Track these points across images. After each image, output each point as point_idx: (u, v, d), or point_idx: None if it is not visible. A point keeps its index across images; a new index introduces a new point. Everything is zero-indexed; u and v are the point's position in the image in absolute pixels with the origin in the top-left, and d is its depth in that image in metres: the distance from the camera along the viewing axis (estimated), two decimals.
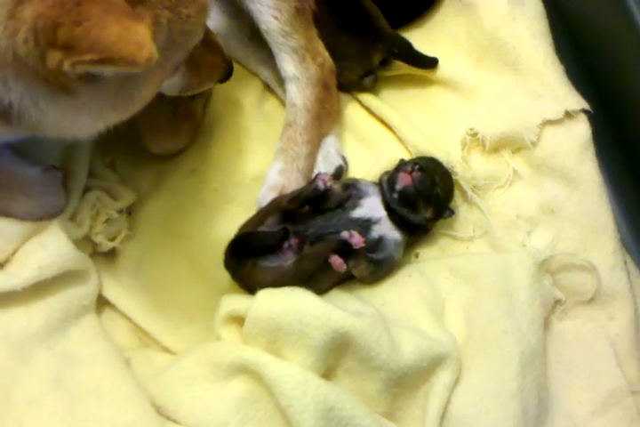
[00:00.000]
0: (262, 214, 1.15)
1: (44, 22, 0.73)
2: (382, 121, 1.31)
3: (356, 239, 1.07)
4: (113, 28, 0.72)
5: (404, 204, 1.14)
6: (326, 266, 1.07)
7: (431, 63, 1.31)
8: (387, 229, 1.14)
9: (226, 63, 1.07)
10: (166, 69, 0.90)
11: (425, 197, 1.14)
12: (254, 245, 1.11)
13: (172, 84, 0.99)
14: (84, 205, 1.13)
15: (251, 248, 1.10)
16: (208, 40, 0.99)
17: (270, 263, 1.09)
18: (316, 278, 1.09)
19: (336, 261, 1.06)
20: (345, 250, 1.08)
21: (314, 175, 1.23)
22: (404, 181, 1.13)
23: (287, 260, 1.09)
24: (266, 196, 1.19)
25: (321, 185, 1.11)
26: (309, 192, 1.12)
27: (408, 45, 1.30)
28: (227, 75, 1.09)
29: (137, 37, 0.73)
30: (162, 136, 1.22)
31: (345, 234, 1.07)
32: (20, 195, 1.06)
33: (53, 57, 0.74)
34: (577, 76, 1.29)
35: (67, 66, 0.73)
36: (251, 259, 1.10)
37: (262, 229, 1.12)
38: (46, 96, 0.81)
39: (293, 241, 1.10)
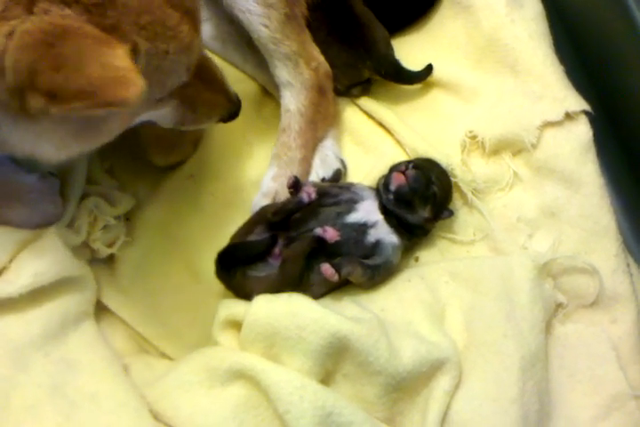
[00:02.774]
0: (250, 224, 1.15)
1: (16, 65, 0.72)
2: (381, 124, 1.31)
3: (330, 234, 1.06)
4: (93, 70, 0.71)
5: (401, 204, 1.13)
6: (318, 269, 1.07)
7: (425, 75, 1.30)
8: (384, 233, 1.13)
9: (231, 103, 1.03)
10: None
11: (421, 195, 1.13)
12: (240, 255, 1.11)
13: (163, 117, 0.97)
14: (81, 211, 1.13)
15: (238, 258, 1.10)
16: (209, 77, 0.97)
17: (260, 273, 1.09)
18: (310, 283, 1.09)
19: (327, 270, 1.05)
20: (337, 256, 1.08)
21: (310, 178, 1.23)
22: (397, 180, 1.12)
23: (277, 267, 1.09)
24: (260, 202, 1.19)
25: (305, 198, 1.10)
26: (293, 205, 1.11)
27: (396, 67, 1.29)
28: (231, 115, 1.05)
29: (120, 74, 0.71)
30: (166, 149, 1.22)
31: (318, 230, 1.06)
32: (16, 202, 1.06)
33: (37, 101, 0.73)
34: (577, 77, 1.29)
35: (54, 110, 0.73)
36: (240, 269, 1.10)
37: (252, 237, 1.12)
38: (7, 120, 0.80)
39: (281, 248, 1.10)
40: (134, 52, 0.77)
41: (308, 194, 1.10)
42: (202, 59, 0.94)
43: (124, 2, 0.77)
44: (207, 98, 0.98)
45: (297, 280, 1.08)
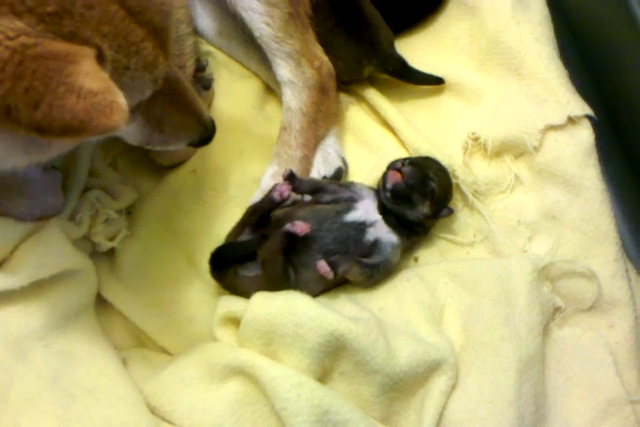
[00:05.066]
0: (241, 224, 1.15)
1: None
2: (384, 123, 1.31)
3: (300, 227, 1.05)
4: (72, 102, 0.68)
5: (398, 201, 1.13)
6: (314, 267, 1.07)
7: (432, 80, 1.30)
8: (382, 232, 1.14)
9: (202, 128, 0.98)
10: None
11: (419, 192, 1.13)
12: (230, 256, 1.11)
13: (128, 134, 0.93)
14: (83, 204, 1.13)
15: (228, 259, 1.11)
16: (179, 98, 0.93)
17: (250, 272, 1.09)
18: (306, 281, 1.09)
19: (322, 268, 1.06)
20: (335, 254, 1.08)
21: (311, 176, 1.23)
22: (393, 178, 1.13)
23: None
24: (259, 199, 1.19)
25: (276, 196, 1.11)
26: (266, 204, 1.12)
27: (403, 63, 1.30)
28: (202, 140, 1.01)
29: (100, 99, 0.68)
30: (173, 151, 1.20)
31: (288, 225, 1.06)
32: (17, 195, 1.06)
33: (25, 133, 0.71)
34: (581, 81, 1.29)
35: (44, 141, 0.72)
36: (232, 268, 1.10)
37: (243, 237, 1.13)
38: None
39: None
40: (100, 59, 0.73)
41: (279, 193, 1.11)
42: (173, 80, 0.91)
43: (82, 12, 0.74)
44: (176, 120, 0.94)
45: (282, 278, 1.07)
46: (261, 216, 1.12)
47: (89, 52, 0.72)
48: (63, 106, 0.68)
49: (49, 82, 0.68)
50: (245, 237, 1.13)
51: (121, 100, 0.70)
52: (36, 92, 0.68)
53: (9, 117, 0.70)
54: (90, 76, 0.69)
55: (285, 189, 1.11)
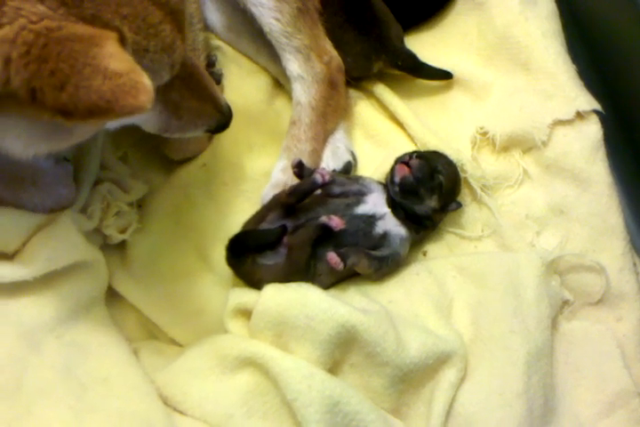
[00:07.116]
0: (264, 211, 1.16)
1: (16, 81, 0.69)
2: (393, 118, 1.32)
3: (336, 222, 1.06)
4: (98, 83, 0.68)
5: (407, 195, 1.13)
6: (325, 258, 1.07)
7: (442, 75, 1.31)
8: (391, 225, 1.14)
9: (219, 113, 0.99)
10: None
11: (427, 185, 1.13)
12: (251, 244, 1.11)
13: (146, 121, 0.94)
14: (94, 197, 1.14)
15: (248, 246, 1.11)
16: (196, 84, 0.94)
17: (268, 261, 1.10)
18: (318, 273, 1.09)
19: (333, 258, 1.06)
20: (345, 247, 1.09)
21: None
22: (400, 171, 1.13)
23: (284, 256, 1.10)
24: (269, 193, 1.20)
25: (319, 178, 1.11)
26: (307, 186, 1.12)
27: (413, 58, 1.30)
28: (219, 126, 1.01)
29: (125, 80, 0.68)
30: (184, 145, 1.21)
31: (324, 218, 1.07)
32: (30, 187, 1.06)
33: (50, 117, 0.71)
34: (589, 76, 1.29)
35: (69, 124, 0.72)
36: (250, 256, 1.10)
37: (264, 225, 1.13)
38: None
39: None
40: (122, 42, 0.74)
41: (321, 175, 1.11)
42: (189, 65, 0.91)
43: None
44: (193, 105, 0.95)
45: (303, 268, 1.08)
46: (289, 205, 1.12)
47: (112, 35, 0.72)
48: (89, 87, 0.68)
49: (75, 63, 0.68)
50: (266, 225, 1.13)
51: (146, 80, 0.70)
52: (61, 74, 0.68)
53: (34, 101, 0.70)
54: (114, 57, 0.70)
55: (327, 173, 1.12)
